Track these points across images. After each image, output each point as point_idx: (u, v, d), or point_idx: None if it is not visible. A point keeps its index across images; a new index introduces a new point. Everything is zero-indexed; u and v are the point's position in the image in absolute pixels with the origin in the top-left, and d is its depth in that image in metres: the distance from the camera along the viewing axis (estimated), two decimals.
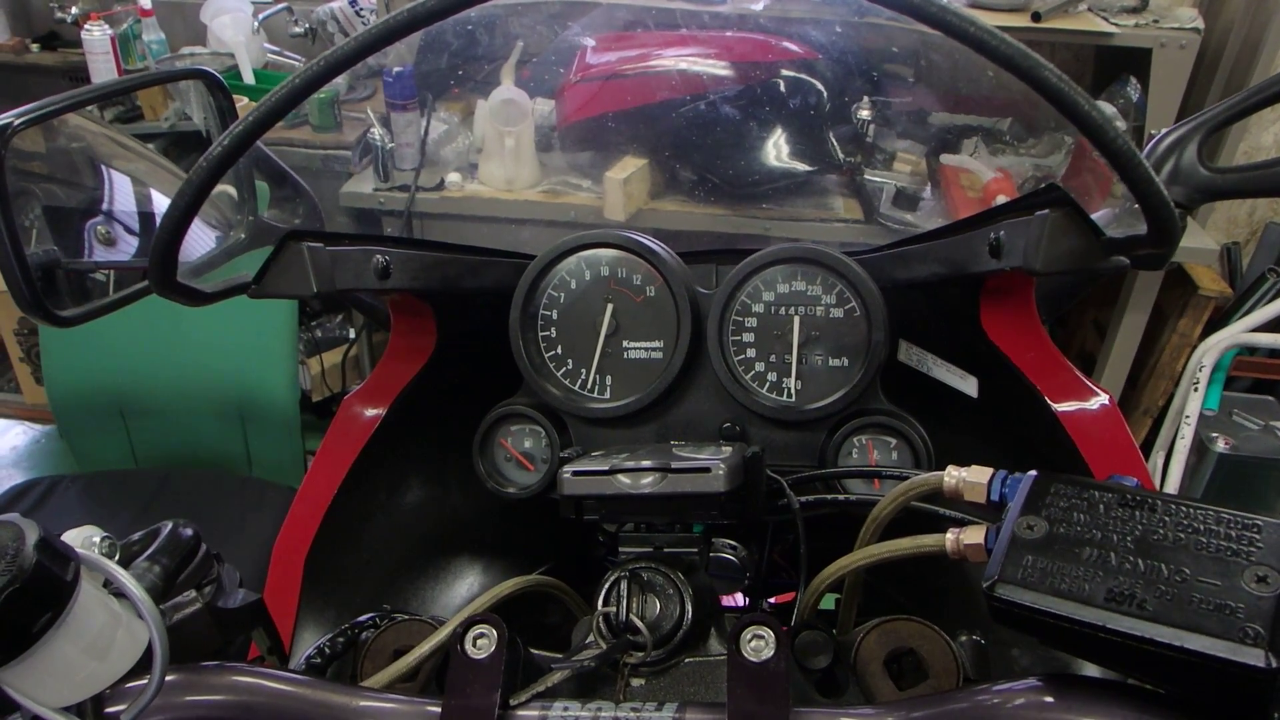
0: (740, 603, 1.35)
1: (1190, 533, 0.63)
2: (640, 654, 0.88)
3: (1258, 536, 0.61)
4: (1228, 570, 0.59)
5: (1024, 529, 0.66)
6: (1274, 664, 0.54)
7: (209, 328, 2.85)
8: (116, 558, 0.76)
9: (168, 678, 0.74)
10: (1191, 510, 0.64)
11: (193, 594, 0.82)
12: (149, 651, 0.70)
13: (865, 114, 3.37)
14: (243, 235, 1.31)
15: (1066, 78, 0.71)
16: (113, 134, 1.49)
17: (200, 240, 1.30)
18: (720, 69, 3.17)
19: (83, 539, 0.73)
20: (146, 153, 1.48)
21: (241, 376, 2.87)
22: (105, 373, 2.88)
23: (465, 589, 1.39)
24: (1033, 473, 0.73)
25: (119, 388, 2.90)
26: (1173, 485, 3.14)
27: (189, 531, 0.84)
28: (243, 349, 2.86)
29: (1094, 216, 0.97)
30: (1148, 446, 3.59)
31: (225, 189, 1.34)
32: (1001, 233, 1.01)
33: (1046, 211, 0.95)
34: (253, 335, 2.85)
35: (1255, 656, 0.54)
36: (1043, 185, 0.97)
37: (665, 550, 0.96)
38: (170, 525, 0.83)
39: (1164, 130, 1.06)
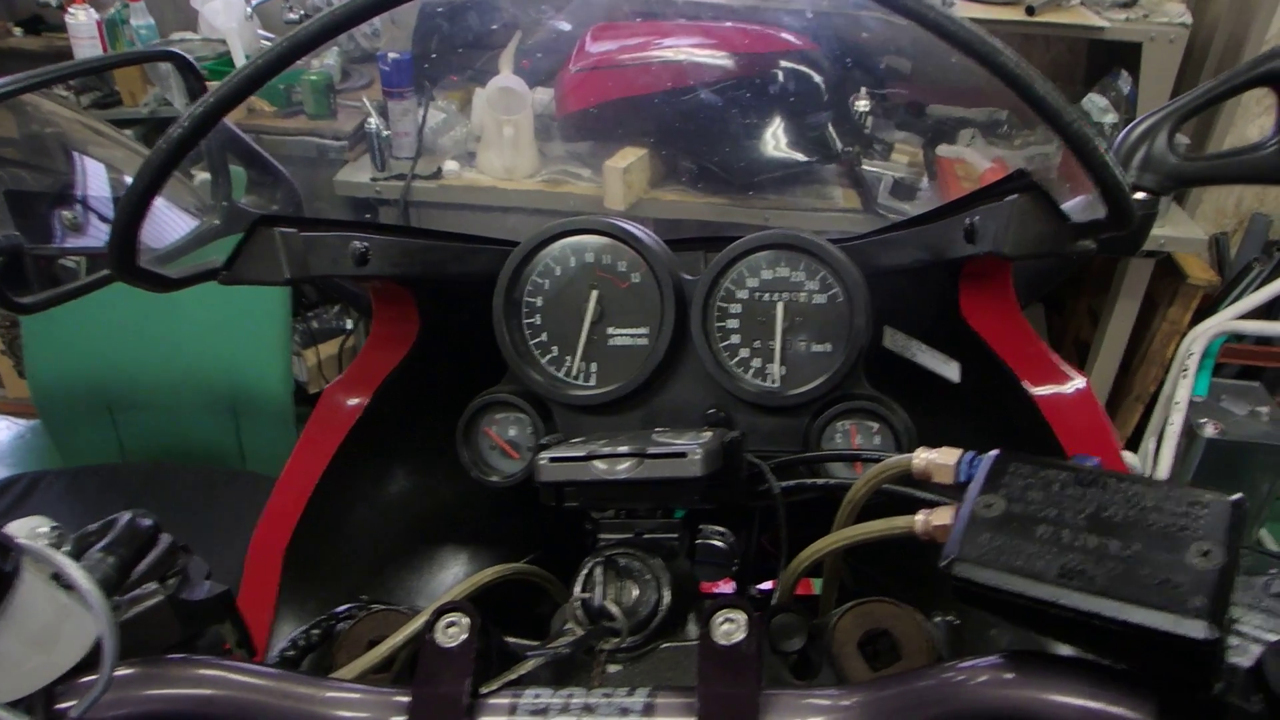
0: (729, 590, 1.36)
1: (1140, 510, 0.64)
2: (616, 640, 0.88)
3: (1203, 512, 0.62)
4: (1174, 545, 0.60)
5: (983, 508, 0.67)
6: (1213, 635, 0.55)
7: (199, 317, 2.82)
8: (66, 549, 0.75)
9: (125, 671, 0.74)
10: (1142, 488, 0.66)
11: (154, 586, 0.80)
12: (103, 645, 0.69)
13: (863, 105, 3.38)
14: (216, 221, 1.31)
15: (1024, 62, 0.72)
16: (86, 120, 1.50)
17: (175, 226, 1.30)
18: (719, 59, 3.19)
19: (28, 529, 0.73)
20: (121, 139, 1.48)
21: (233, 367, 2.84)
22: (90, 364, 2.85)
23: (450, 579, 1.39)
24: (994, 452, 0.74)
25: (105, 380, 2.86)
26: (1163, 469, 3.16)
27: (147, 522, 0.83)
28: (234, 339, 2.83)
29: (1069, 204, 0.98)
30: (1139, 432, 3.61)
31: (201, 175, 1.34)
32: (976, 218, 1.03)
33: (1015, 196, 0.96)
34: (245, 325, 2.83)
35: (1197, 628, 0.55)
36: (1012, 172, 0.98)
37: (645, 536, 0.97)
38: (128, 515, 0.82)
39: (1136, 119, 1.08)
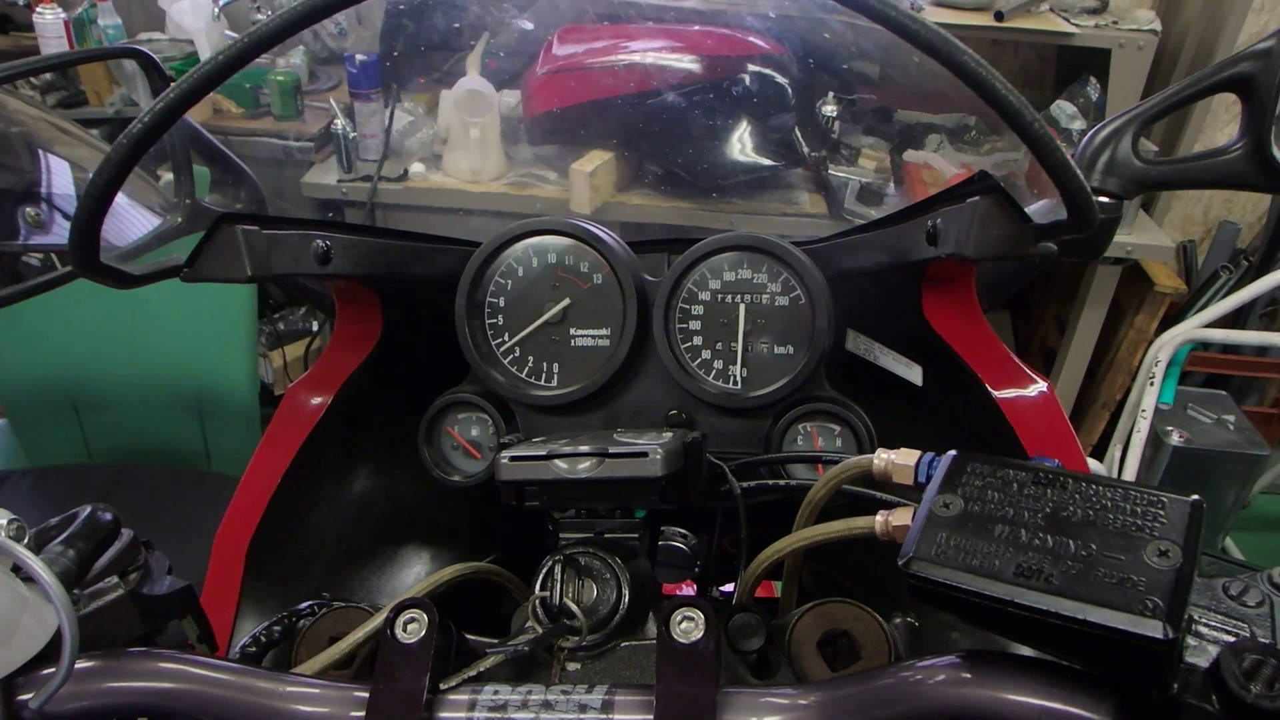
0: (692, 591, 1.36)
1: (1099, 510, 0.64)
2: (576, 638, 0.88)
3: (1161, 512, 0.62)
4: (1131, 545, 0.60)
5: (940, 507, 0.67)
6: (1170, 635, 0.55)
7: (165, 318, 2.80)
8: (26, 542, 0.74)
9: (85, 664, 0.74)
10: (1101, 488, 0.66)
11: (114, 580, 0.80)
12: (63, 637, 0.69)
13: (830, 109, 3.38)
14: (179, 219, 1.30)
15: (985, 63, 0.72)
16: (52, 118, 1.48)
17: (140, 224, 1.29)
18: (687, 63, 3.18)
19: None
20: (87, 137, 1.46)
21: (199, 368, 2.82)
22: (57, 364, 2.82)
23: (412, 578, 1.39)
24: (951, 452, 0.74)
25: (72, 379, 2.84)
26: (1129, 477, 3.17)
27: (108, 516, 0.83)
28: (200, 340, 2.82)
29: (1033, 207, 0.98)
30: (1105, 439, 3.62)
31: (168, 175, 1.33)
32: (938, 220, 1.02)
33: (977, 198, 0.96)
34: (211, 326, 2.81)
35: (1153, 628, 0.55)
36: (975, 173, 0.98)
37: (606, 536, 0.97)
38: (89, 509, 0.82)
39: (1100, 123, 1.08)
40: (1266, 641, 0.60)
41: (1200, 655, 0.58)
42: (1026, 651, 0.67)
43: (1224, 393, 3.54)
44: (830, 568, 1.34)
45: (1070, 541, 0.62)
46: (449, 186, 3.43)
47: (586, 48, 3.25)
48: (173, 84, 0.80)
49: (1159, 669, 0.57)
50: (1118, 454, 3.33)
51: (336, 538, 1.33)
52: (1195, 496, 0.63)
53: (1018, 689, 0.63)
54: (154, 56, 1.27)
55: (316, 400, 1.28)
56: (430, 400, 1.28)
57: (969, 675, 0.65)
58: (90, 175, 0.82)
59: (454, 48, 3.52)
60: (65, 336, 2.80)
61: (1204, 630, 0.61)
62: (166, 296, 2.72)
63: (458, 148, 3.41)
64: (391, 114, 3.46)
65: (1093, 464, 3.31)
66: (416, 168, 3.46)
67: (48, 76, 3.78)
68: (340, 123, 3.42)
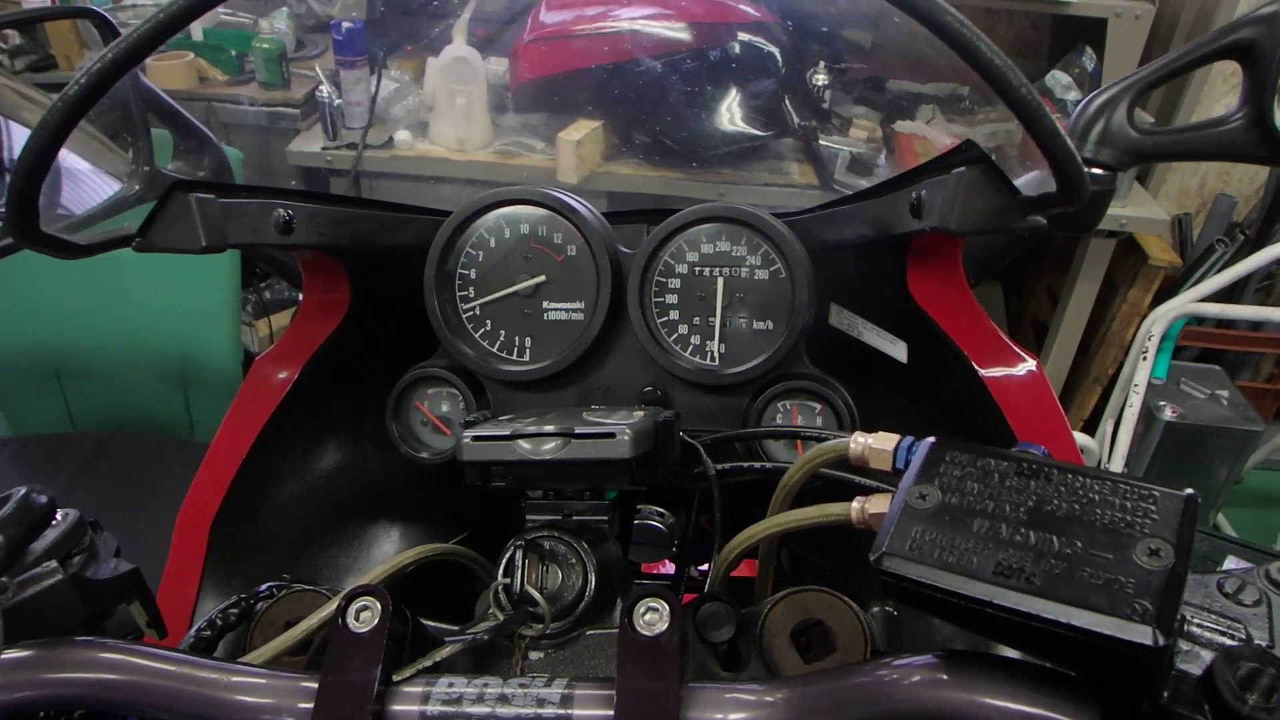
0: (669, 571, 1.33)
1: (1086, 504, 0.60)
2: (539, 626, 0.85)
3: (1153, 508, 0.58)
4: (1120, 543, 0.57)
5: (916, 498, 0.63)
6: (1160, 641, 0.51)
7: (148, 286, 2.78)
8: None
9: (17, 654, 0.71)
10: (1088, 480, 0.62)
11: (53, 565, 0.77)
12: None
13: (821, 79, 3.34)
14: (136, 187, 1.26)
15: (968, 23, 0.68)
16: (16, 85, 1.44)
17: (105, 193, 1.25)
18: (677, 31, 3.15)
19: None
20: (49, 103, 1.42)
21: (182, 337, 2.81)
22: (39, 332, 2.81)
23: (381, 558, 1.36)
24: (930, 439, 0.70)
25: (54, 348, 2.82)
26: (1120, 453, 3.15)
27: (43, 499, 0.80)
28: (183, 309, 2.80)
29: (1023, 179, 0.94)
30: (1097, 414, 3.60)
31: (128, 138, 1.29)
32: (923, 192, 0.99)
33: (963, 169, 0.92)
34: (193, 295, 2.79)
35: (1142, 634, 0.52)
36: (961, 143, 0.94)
37: (573, 519, 0.94)
38: (22, 492, 0.79)
39: (1094, 92, 1.04)
40: (1263, 646, 0.57)
41: (1192, 661, 0.55)
42: (1011, 652, 0.64)
43: (1218, 368, 3.52)
44: (810, 551, 1.31)
45: (1054, 538, 0.58)
46: (434, 155, 3.40)
47: (575, 14, 3.21)
48: (115, 41, 0.76)
49: (1148, 676, 0.54)
50: (1109, 429, 3.31)
51: (303, 516, 1.31)
52: (1190, 491, 0.59)
53: (997, 693, 0.60)
54: (107, 16, 1.22)
55: (283, 374, 1.25)
56: (400, 374, 1.25)
57: (945, 676, 0.62)
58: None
59: (441, 14, 3.48)
60: (48, 305, 2.79)
61: (1196, 632, 0.57)
62: (149, 266, 2.69)
63: (444, 116, 3.37)
64: (378, 81, 3.43)
65: (1083, 439, 3.29)
66: (402, 135, 3.43)
67: (17, 41, 3.72)
68: (325, 90, 3.37)
